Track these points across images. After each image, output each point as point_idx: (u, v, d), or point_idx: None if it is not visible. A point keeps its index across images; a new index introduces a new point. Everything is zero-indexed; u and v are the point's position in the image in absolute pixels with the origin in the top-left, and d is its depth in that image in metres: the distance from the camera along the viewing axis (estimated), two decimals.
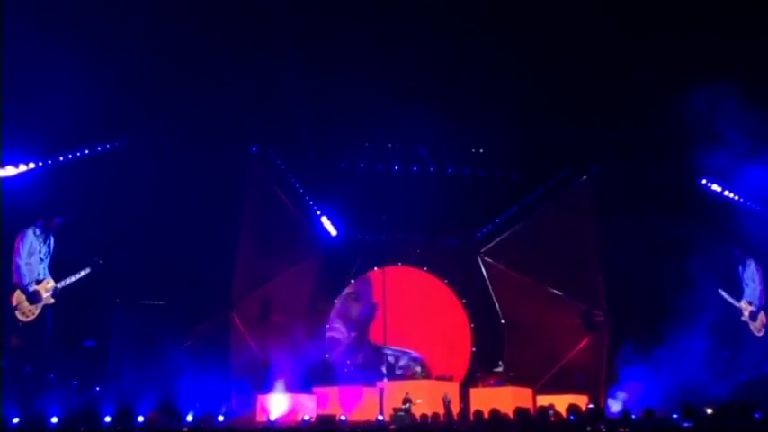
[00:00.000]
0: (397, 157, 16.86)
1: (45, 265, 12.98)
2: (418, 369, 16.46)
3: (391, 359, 17.27)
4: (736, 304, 15.46)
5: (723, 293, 15.31)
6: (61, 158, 13.38)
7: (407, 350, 17.47)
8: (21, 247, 12.72)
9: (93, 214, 13.34)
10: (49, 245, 12.94)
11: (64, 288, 13.06)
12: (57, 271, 13.14)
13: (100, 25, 12.16)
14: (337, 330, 17.40)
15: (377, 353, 17.43)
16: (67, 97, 12.09)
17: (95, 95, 12.61)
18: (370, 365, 17.07)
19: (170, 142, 14.65)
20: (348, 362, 17.11)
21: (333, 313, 17.52)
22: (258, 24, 12.97)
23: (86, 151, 13.74)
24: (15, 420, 11.24)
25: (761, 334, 15.65)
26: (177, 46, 12.67)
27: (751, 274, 15.89)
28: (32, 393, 11.87)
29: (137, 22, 12.20)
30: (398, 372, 17.03)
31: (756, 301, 15.72)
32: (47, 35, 11.52)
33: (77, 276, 13.08)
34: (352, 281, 17.93)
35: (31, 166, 12.88)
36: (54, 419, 11.57)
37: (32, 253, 12.80)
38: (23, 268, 12.78)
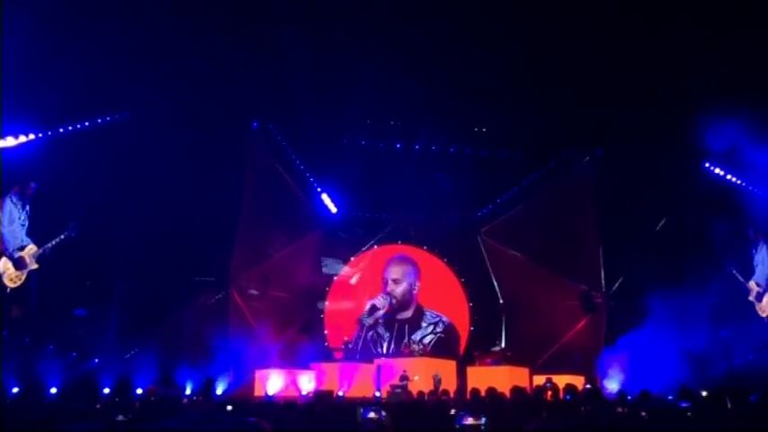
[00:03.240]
0: (400, 135, 16.78)
1: (25, 231, 13.05)
2: (415, 347, 16.59)
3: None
4: (745, 283, 15.53)
5: (734, 272, 15.36)
6: (61, 130, 13.33)
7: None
8: (2, 215, 12.78)
9: (88, 186, 13.32)
10: (27, 211, 13.01)
11: (54, 254, 13.09)
12: (37, 237, 13.18)
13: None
14: (378, 300, 17.52)
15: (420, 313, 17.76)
16: (67, 69, 12.01)
17: (96, 68, 12.55)
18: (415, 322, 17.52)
19: (170, 116, 14.55)
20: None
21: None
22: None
23: (86, 123, 13.68)
24: (15, 390, 11.31)
25: (765, 315, 15.70)
26: (178, 19, 12.56)
27: (762, 257, 15.93)
28: (30, 363, 11.92)
29: None
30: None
31: (764, 284, 15.78)
32: (47, 7, 11.40)
33: (58, 239, 13.10)
34: (352, 258, 17.95)
35: (31, 137, 12.85)
36: (53, 390, 11.64)
37: (13, 220, 12.87)
38: (6, 236, 12.85)
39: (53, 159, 13.04)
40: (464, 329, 17.86)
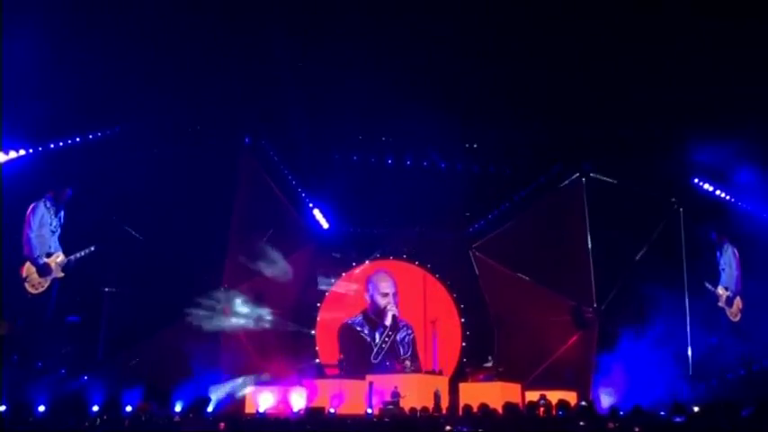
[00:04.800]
0: (391, 151, 16.82)
1: (56, 237, 12.97)
2: (407, 363, 16.58)
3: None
4: (714, 290, 15.54)
5: (707, 285, 15.40)
6: (51, 146, 13.30)
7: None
8: (32, 219, 12.76)
9: (78, 200, 13.34)
10: (60, 217, 12.95)
11: (69, 264, 13.06)
12: (67, 244, 13.11)
13: (92, 14, 12.07)
14: (396, 311, 17.80)
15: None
16: (56, 84, 12.02)
17: (87, 83, 12.57)
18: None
19: (162, 132, 14.56)
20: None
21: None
22: (252, 15, 12.90)
23: (77, 139, 13.66)
24: (1, 408, 11.18)
25: (737, 319, 15.76)
26: (170, 35, 12.60)
27: (728, 259, 15.99)
28: (19, 381, 11.82)
29: (129, 10, 12.12)
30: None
31: (732, 287, 15.81)
32: (39, 24, 11.42)
33: (87, 251, 13.06)
34: (344, 273, 17.91)
35: (21, 152, 12.79)
36: (41, 408, 11.51)
37: (43, 225, 12.82)
38: (34, 240, 12.80)
39: (45, 174, 13.03)
40: (456, 345, 17.82)
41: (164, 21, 12.31)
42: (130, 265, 14.31)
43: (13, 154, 12.64)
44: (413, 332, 17.86)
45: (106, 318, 14.23)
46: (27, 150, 12.86)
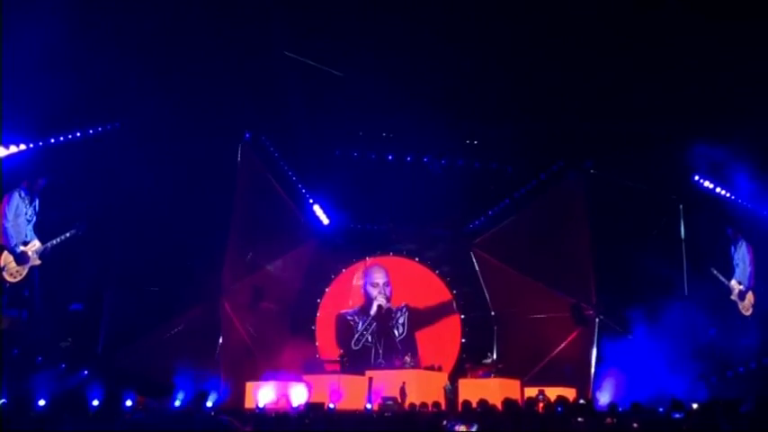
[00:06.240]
0: (391, 147, 16.82)
1: (31, 226, 13.11)
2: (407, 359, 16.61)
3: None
4: (727, 283, 15.60)
5: (714, 272, 15.43)
6: (52, 140, 13.32)
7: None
8: (7, 209, 12.90)
9: (79, 197, 13.38)
10: (35, 206, 13.09)
11: (52, 254, 13.15)
12: (42, 232, 13.25)
13: (93, 11, 12.08)
14: (382, 301, 18.11)
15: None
16: (60, 80, 12.01)
17: (89, 79, 12.57)
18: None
19: (163, 128, 14.55)
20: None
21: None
22: (253, 10, 12.89)
23: (78, 134, 13.68)
24: (1, 402, 11.20)
25: (749, 313, 15.79)
26: (171, 31, 12.60)
27: (742, 255, 16.07)
28: (19, 375, 11.85)
29: (130, 6, 12.12)
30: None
31: (746, 282, 15.87)
32: (40, 19, 11.42)
33: (63, 237, 13.19)
34: (344, 269, 17.93)
35: (22, 147, 12.81)
36: (41, 402, 11.53)
37: (18, 215, 12.99)
38: (10, 230, 12.97)
39: (44, 168, 13.07)
40: (455, 341, 17.84)
41: (164, 17, 12.29)
42: (131, 260, 14.33)
43: (13, 148, 12.66)
44: (408, 308, 18.03)
45: (107, 313, 14.26)
46: (27, 145, 12.90)
